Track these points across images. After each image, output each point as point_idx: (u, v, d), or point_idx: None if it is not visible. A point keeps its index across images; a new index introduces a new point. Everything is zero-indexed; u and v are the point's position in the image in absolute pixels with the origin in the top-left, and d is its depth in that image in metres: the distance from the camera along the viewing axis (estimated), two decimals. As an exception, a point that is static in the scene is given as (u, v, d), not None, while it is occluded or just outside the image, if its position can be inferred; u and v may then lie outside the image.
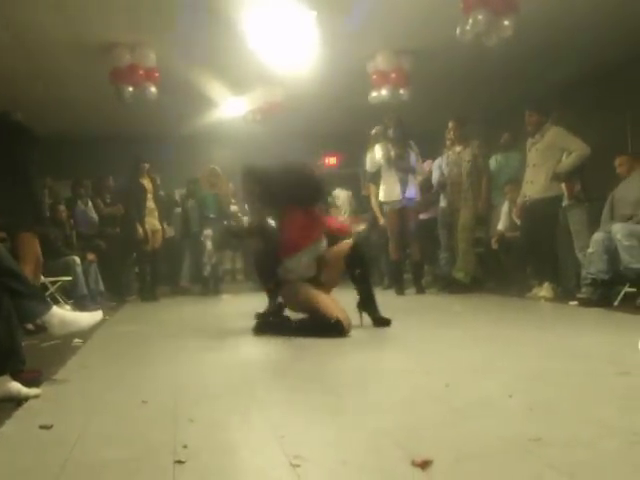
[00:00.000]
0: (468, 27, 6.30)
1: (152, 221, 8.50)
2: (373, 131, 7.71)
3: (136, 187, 8.32)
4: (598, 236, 5.47)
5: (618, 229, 5.27)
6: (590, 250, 5.51)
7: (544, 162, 6.47)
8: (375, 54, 8.06)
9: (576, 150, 6.29)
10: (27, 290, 2.87)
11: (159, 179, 9.36)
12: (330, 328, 4.03)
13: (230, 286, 9.78)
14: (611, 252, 5.32)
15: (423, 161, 7.84)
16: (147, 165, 8.49)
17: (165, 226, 9.04)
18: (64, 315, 3.06)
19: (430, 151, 8.24)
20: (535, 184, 6.54)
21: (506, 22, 6.32)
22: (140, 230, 8.16)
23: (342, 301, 4.44)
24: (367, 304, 4.52)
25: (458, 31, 6.40)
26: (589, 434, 1.87)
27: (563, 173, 6.31)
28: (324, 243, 4.53)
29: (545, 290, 6.33)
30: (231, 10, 6.46)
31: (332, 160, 12.30)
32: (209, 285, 9.16)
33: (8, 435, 2.14)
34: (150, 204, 8.47)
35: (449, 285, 7.58)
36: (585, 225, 6.20)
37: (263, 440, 1.96)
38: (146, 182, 8.47)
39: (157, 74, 7.76)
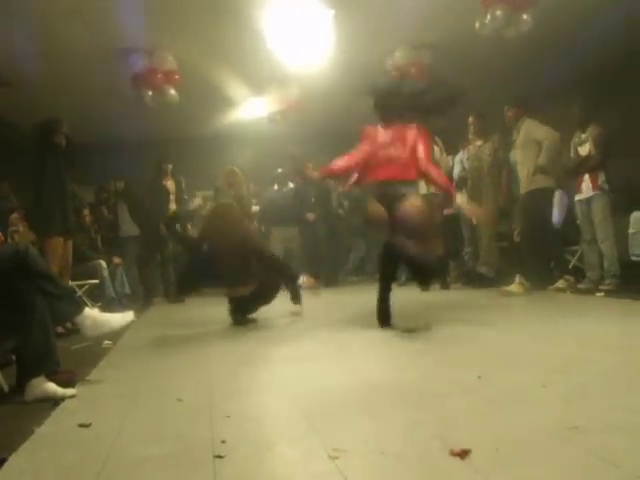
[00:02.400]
0: (487, 22, 6.28)
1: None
2: None
3: (158, 189, 8.35)
4: (638, 215, 5.42)
5: None
6: (632, 230, 5.46)
7: (524, 157, 6.47)
8: (394, 49, 8.04)
9: (545, 139, 6.29)
10: (60, 292, 2.91)
11: (184, 182, 9.41)
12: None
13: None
14: None
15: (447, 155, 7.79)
16: (170, 166, 8.50)
17: (188, 227, 9.08)
18: (96, 316, 3.09)
19: (450, 146, 8.19)
20: (522, 180, 6.55)
21: (525, 16, 6.28)
22: (164, 230, 8.19)
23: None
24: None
25: (477, 25, 6.37)
26: (626, 421, 1.87)
27: (545, 167, 6.31)
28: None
29: (560, 282, 6.32)
30: (248, 10, 6.48)
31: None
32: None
33: (48, 434, 2.17)
34: (172, 206, 8.50)
35: (474, 280, 7.54)
36: (608, 216, 6.14)
37: (300, 433, 1.97)
38: (169, 184, 8.48)
39: (177, 76, 7.79)
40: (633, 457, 1.58)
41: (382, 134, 4.38)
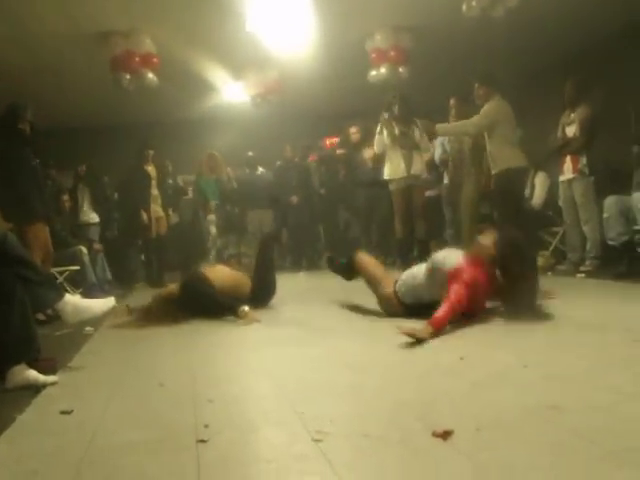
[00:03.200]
0: (474, 2, 6.24)
1: (155, 208, 8.47)
2: (385, 115, 7.59)
3: (140, 174, 8.29)
4: (611, 200, 5.47)
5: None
6: (605, 215, 5.50)
7: (489, 139, 6.42)
8: (374, 32, 8.01)
9: (472, 122, 6.32)
10: (40, 278, 2.88)
11: (171, 166, 9.37)
12: None
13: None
14: (625, 214, 5.35)
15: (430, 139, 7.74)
16: (152, 152, 8.43)
17: (170, 212, 9.03)
18: (77, 302, 3.07)
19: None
20: (491, 160, 6.54)
21: None
22: (144, 217, 8.14)
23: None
24: None
25: (464, 7, 6.34)
26: (606, 400, 1.89)
27: (441, 129, 6.49)
28: None
29: (541, 260, 6.42)
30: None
31: (333, 141, 12.20)
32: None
33: (30, 422, 2.15)
34: (154, 191, 8.43)
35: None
36: (590, 198, 6.18)
37: (283, 417, 1.98)
38: (150, 169, 8.42)
39: (155, 60, 7.71)
40: (612, 435, 1.60)
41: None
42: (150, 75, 7.78)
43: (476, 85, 6.55)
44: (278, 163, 9.78)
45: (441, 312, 3.29)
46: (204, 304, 4.62)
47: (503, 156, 6.26)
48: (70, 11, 6.70)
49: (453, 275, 3.60)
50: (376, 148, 7.48)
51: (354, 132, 9.25)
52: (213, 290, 4.69)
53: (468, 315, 3.55)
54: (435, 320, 3.24)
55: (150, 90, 7.98)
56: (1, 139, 5.37)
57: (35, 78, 8.56)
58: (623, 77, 7.73)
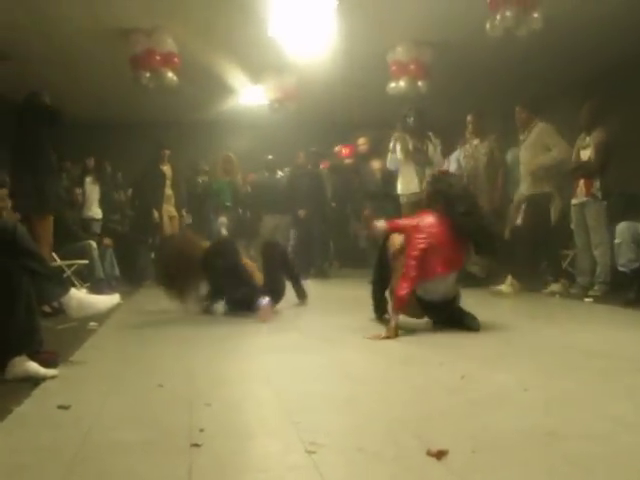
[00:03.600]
0: (497, 23, 6.23)
1: (168, 208, 8.52)
2: (396, 134, 7.60)
3: (155, 173, 8.32)
4: (623, 225, 5.44)
5: None
6: (617, 240, 5.47)
7: (530, 159, 6.46)
8: (395, 44, 8.00)
9: (556, 151, 6.33)
10: (47, 272, 2.89)
11: (203, 164, 9.44)
12: None
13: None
14: (637, 240, 5.33)
15: (444, 156, 7.71)
16: (168, 152, 8.48)
17: (184, 213, 9.08)
18: (82, 297, 3.09)
19: (447, 144, 8.15)
20: (524, 182, 6.57)
21: (535, 14, 6.23)
22: (156, 215, 8.17)
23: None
24: None
25: (488, 26, 6.33)
26: (605, 429, 1.87)
27: (537, 170, 6.39)
28: None
29: (555, 286, 6.37)
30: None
31: (345, 150, 12.11)
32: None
33: (27, 414, 2.16)
34: (167, 191, 8.47)
35: (464, 279, 7.51)
36: (602, 222, 6.15)
37: (279, 426, 1.97)
38: (166, 168, 8.46)
39: (176, 59, 7.71)
40: (608, 464, 1.58)
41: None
42: (170, 74, 7.78)
43: (517, 109, 6.58)
44: (286, 169, 9.76)
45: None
46: (225, 270, 4.75)
47: (541, 179, 6.34)
48: (95, 8, 6.74)
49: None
50: (389, 165, 7.43)
51: (362, 143, 9.23)
52: (240, 261, 4.76)
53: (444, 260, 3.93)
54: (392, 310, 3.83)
55: (169, 89, 8.00)
56: (28, 132, 5.38)
57: (58, 72, 8.61)
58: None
